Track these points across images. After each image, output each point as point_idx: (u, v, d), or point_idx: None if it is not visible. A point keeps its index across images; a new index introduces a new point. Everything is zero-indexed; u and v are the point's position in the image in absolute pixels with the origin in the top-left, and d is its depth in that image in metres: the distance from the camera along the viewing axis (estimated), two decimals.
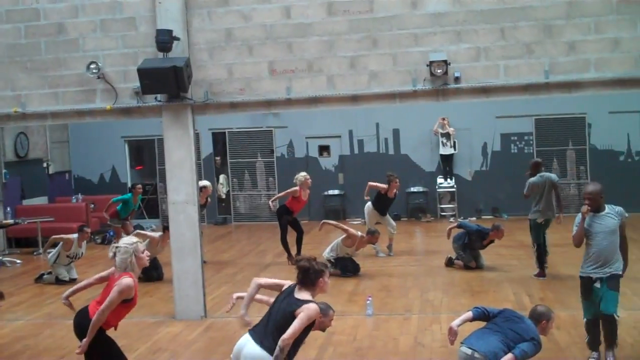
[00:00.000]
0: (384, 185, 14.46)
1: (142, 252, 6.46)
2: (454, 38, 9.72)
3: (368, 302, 10.23)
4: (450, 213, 19.16)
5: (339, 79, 10.01)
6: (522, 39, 9.60)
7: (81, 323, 6.50)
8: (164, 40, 9.79)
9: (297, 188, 14.13)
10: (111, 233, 17.81)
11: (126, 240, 6.56)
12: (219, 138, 20.43)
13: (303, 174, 14.40)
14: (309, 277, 5.73)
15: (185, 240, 10.38)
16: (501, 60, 9.67)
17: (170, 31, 9.85)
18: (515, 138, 19.21)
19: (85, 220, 17.59)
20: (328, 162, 20.02)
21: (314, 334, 7.61)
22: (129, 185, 18.87)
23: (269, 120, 19.49)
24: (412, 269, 13.27)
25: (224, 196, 20.42)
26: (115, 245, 6.51)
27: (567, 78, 9.57)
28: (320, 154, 19.98)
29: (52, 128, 19.21)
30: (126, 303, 6.38)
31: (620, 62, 9.43)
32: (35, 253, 16.50)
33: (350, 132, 19.73)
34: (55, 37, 10.48)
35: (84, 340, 6.34)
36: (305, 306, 5.58)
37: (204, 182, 14.62)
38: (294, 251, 14.07)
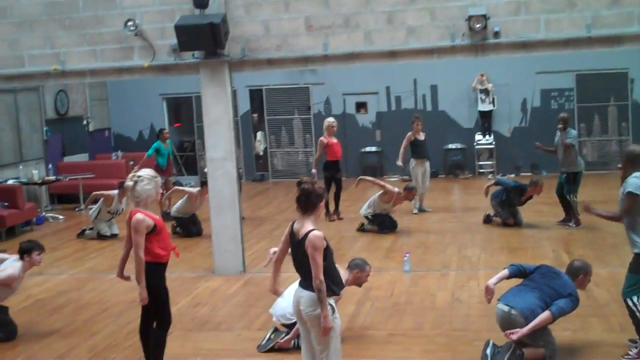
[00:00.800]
0: (409, 134, 14.48)
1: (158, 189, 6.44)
2: None
3: (405, 258, 10.26)
4: (489, 170, 19.01)
5: (376, 35, 9.90)
6: None
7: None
8: None
9: (322, 139, 14.14)
10: None
11: (148, 171, 6.43)
12: (256, 95, 20.42)
13: (329, 119, 14.45)
14: (311, 200, 5.64)
15: (223, 197, 10.47)
16: (542, 14, 9.48)
17: None
18: (556, 94, 18.88)
19: (124, 177, 17.79)
20: (365, 119, 19.93)
21: (351, 289, 7.72)
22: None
23: (306, 77, 19.41)
24: (450, 225, 13.24)
25: (261, 153, 20.49)
26: (138, 174, 6.38)
27: (610, 32, 9.36)
28: (358, 111, 19.89)
29: (91, 85, 19.37)
30: (153, 234, 6.34)
31: None
32: (76, 209, 16.79)
33: (388, 89, 19.59)
34: None
35: (140, 290, 6.38)
36: (308, 241, 5.49)
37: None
38: (332, 208, 14.12)
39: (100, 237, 13.35)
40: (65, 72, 10.77)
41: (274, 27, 10.13)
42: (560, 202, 12.65)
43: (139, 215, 6.29)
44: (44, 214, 16.07)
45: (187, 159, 21.09)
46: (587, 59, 16.76)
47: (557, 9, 9.44)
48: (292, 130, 20.36)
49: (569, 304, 6.50)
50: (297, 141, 20.39)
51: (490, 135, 19.01)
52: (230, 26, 10.02)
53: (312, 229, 5.54)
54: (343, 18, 9.94)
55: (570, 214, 12.35)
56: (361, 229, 13.00)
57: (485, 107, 18.86)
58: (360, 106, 19.89)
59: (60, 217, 16.11)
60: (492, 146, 19.02)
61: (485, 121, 19.04)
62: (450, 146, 19.26)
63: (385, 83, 19.39)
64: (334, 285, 5.65)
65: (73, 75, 10.98)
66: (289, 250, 5.91)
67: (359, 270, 7.40)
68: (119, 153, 19.67)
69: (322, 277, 5.45)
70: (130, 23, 10.27)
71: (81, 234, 13.74)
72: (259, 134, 20.49)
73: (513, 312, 6.49)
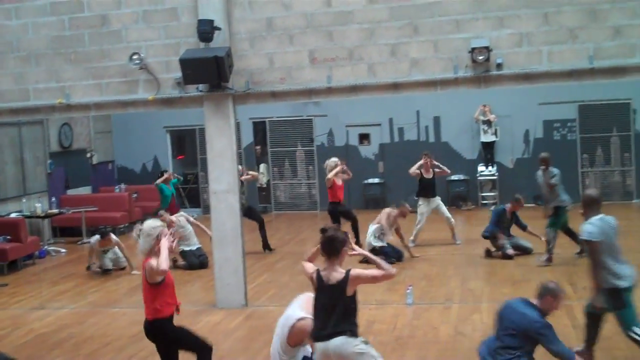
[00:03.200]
0: (417, 171, 14.42)
1: (166, 236, 6.35)
2: (496, 24, 9.58)
3: (408, 291, 10.20)
4: (492, 201, 18.98)
5: (379, 67, 9.95)
6: (566, 23, 9.43)
7: (146, 328, 6.59)
8: (206, 30, 9.85)
9: (328, 177, 14.03)
10: None
11: (150, 223, 6.48)
12: (259, 127, 20.49)
13: (332, 159, 14.42)
14: (335, 246, 5.83)
15: (226, 229, 10.45)
16: (544, 45, 9.52)
17: (211, 21, 9.89)
18: (559, 125, 18.91)
19: (128, 209, 17.81)
20: (368, 151, 19.95)
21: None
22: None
23: (309, 109, 19.48)
24: (453, 257, 13.19)
25: (264, 185, 20.50)
26: (139, 227, 6.46)
27: (612, 63, 9.38)
28: (361, 142, 19.93)
29: (96, 118, 19.44)
30: (158, 286, 6.35)
31: None
32: (79, 242, 16.75)
33: (391, 120, 19.65)
34: (98, 29, 10.60)
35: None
36: (353, 278, 5.71)
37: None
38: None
39: (106, 271, 13.27)
40: (70, 106, 10.82)
41: (278, 60, 10.19)
42: (568, 235, 12.60)
43: (153, 263, 6.27)
44: (46, 247, 16.03)
45: (190, 192, 21.08)
46: (589, 90, 16.80)
47: (559, 41, 9.49)
48: (295, 162, 20.39)
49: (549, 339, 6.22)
50: (300, 173, 20.40)
51: (493, 167, 19.02)
52: (234, 59, 10.08)
53: (346, 270, 5.77)
54: (347, 51, 10.00)
55: (550, 247, 12.24)
56: (364, 261, 12.86)
57: (487, 138, 18.90)
58: (363, 138, 19.93)
59: (63, 250, 16.06)
60: (494, 177, 19.02)
61: (487, 152, 19.06)
62: (453, 177, 19.24)
63: (388, 114, 19.45)
64: (356, 327, 5.83)
65: (78, 109, 11.02)
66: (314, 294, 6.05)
67: (552, 297, 6.61)
68: (122, 186, 19.69)
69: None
70: (135, 57, 10.33)
71: (89, 268, 13.65)
72: (262, 166, 20.53)
73: None
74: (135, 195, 18.63)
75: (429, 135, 19.49)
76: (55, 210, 16.69)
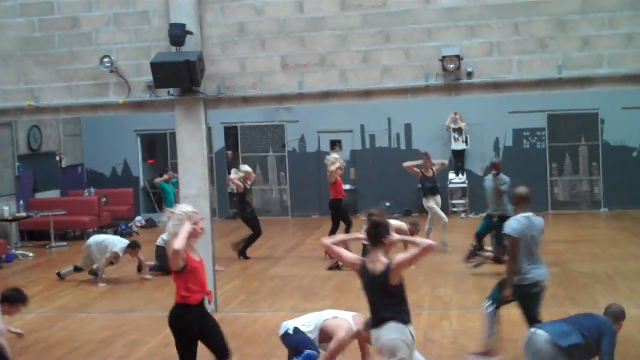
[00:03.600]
0: (417, 170, 14.57)
1: (195, 223, 6.32)
2: (467, 33, 9.68)
3: None
4: (462, 209, 19.11)
5: (351, 74, 9.99)
6: (536, 33, 9.55)
7: (170, 314, 6.49)
8: (177, 34, 9.81)
9: (331, 169, 14.14)
10: (123, 227, 17.89)
11: (182, 207, 6.47)
12: (230, 132, 20.44)
13: (333, 155, 14.71)
14: (379, 232, 5.76)
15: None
16: (514, 55, 9.62)
17: (183, 25, 9.86)
18: (528, 133, 19.12)
19: (97, 213, 17.66)
20: (340, 157, 19.94)
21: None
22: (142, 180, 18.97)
23: (281, 114, 19.48)
24: (423, 264, 13.20)
25: (235, 190, 20.38)
26: (171, 210, 6.48)
27: (581, 73, 9.51)
28: (332, 149, 19.94)
29: (65, 121, 19.26)
30: (181, 273, 6.29)
31: (634, 58, 9.37)
32: (47, 246, 16.57)
33: (362, 127, 19.72)
34: (68, 31, 10.51)
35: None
36: (395, 266, 5.65)
37: (245, 167, 14.75)
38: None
39: (76, 269, 12.82)
40: (39, 108, 10.71)
41: (250, 65, 10.19)
42: (477, 241, 12.77)
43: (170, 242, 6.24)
44: (13, 250, 15.84)
45: (160, 196, 20.93)
46: (558, 100, 17.01)
47: (529, 50, 9.60)
48: (266, 168, 20.36)
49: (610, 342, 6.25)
50: (271, 178, 20.38)
51: (463, 174, 19.17)
52: (206, 64, 10.05)
53: (388, 260, 5.68)
54: (319, 57, 10.02)
55: (474, 250, 12.44)
56: (335, 267, 12.88)
57: (458, 146, 19.04)
58: (335, 144, 19.97)
59: (30, 254, 15.86)
60: (465, 185, 19.15)
61: (458, 160, 19.21)
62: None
63: (359, 121, 19.52)
64: (405, 314, 5.79)
65: (47, 111, 10.92)
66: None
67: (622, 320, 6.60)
68: (92, 189, 19.48)
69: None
70: (105, 59, 10.26)
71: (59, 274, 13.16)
72: (233, 171, 20.40)
73: (538, 332, 6.32)
74: (104, 199, 18.46)
75: (400, 142, 19.59)
76: (23, 214, 16.51)
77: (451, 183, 19.18)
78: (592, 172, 18.94)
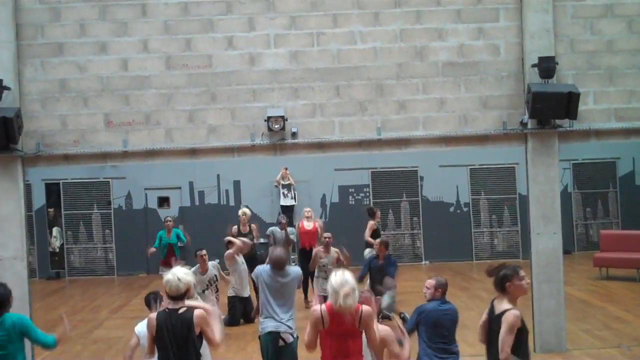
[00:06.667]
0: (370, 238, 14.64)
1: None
2: (291, 94, 9.99)
3: None
4: (292, 264, 19.30)
5: (177, 132, 9.98)
6: (356, 97, 10.02)
7: None
8: None
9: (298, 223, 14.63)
10: None
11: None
12: (52, 189, 19.63)
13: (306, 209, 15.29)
14: (497, 281, 6.12)
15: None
16: (336, 116, 10.02)
17: (0, 80, 9.48)
18: (353, 190, 19.77)
19: None
20: (168, 214, 19.63)
21: None
22: None
23: (106, 171, 18.97)
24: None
25: (57, 250, 19.57)
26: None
27: (398, 135, 10.05)
28: (160, 206, 19.65)
29: None
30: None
31: (446, 121, 10.04)
32: None
33: (191, 184, 19.60)
34: None
35: None
36: (505, 317, 5.91)
37: (244, 209, 14.64)
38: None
39: None
40: None
41: (72, 122, 9.94)
42: None
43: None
44: None
45: None
46: (380, 158, 17.76)
47: (350, 113, 10.03)
48: (90, 226, 19.68)
49: None
50: (96, 237, 19.69)
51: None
52: (24, 120, 9.69)
53: (509, 308, 5.98)
54: (144, 115, 9.95)
55: None
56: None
57: (287, 202, 19.32)
58: (163, 201, 19.68)
59: None
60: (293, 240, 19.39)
61: (287, 216, 19.45)
62: (255, 241, 19.39)
63: (188, 178, 19.40)
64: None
65: None
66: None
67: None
68: None
69: (508, 351, 5.84)
70: None
71: None
72: (55, 230, 19.61)
73: None
74: None
75: (230, 199, 19.62)
76: None
77: None
78: (413, 226, 19.82)
